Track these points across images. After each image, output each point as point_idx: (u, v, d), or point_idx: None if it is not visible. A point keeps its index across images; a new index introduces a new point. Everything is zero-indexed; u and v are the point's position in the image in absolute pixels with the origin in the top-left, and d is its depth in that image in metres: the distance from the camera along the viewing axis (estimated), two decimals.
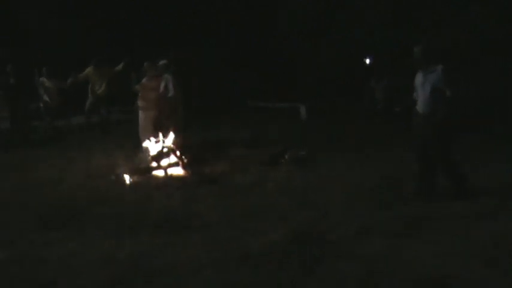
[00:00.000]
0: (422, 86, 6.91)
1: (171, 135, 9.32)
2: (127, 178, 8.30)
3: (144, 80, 10.87)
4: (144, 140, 9.83)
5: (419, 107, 7.01)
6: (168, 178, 8.62)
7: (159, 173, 8.78)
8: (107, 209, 6.82)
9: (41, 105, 14.02)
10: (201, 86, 15.68)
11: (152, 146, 9.10)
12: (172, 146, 9.21)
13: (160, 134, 9.28)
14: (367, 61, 19.06)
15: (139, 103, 10.92)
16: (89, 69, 13.64)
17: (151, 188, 7.99)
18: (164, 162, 8.96)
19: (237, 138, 11.70)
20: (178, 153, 9.12)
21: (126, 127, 13.05)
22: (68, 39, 16.75)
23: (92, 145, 10.54)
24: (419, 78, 7.01)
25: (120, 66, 13.30)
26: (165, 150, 9.10)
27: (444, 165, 6.98)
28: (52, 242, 5.60)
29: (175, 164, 8.97)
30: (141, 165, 8.98)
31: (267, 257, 5.13)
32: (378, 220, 6.12)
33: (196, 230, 6.00)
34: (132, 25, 17.56)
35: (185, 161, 9.03)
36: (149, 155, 9.03)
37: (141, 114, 10.85)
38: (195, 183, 8.18)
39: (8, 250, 5.41)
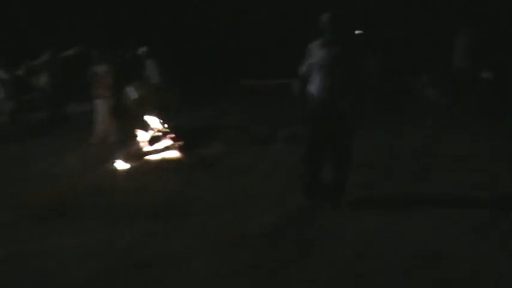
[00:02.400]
0: (329, 64, 5.62)
1: (163, 119, 9.31)
2: (123, 165, 8.31)
3: (96, 68, 10.30)
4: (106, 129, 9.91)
5: (322, 90, 5.67)
6: (164, 161, 8.64)
7: (155, 157, 8.80)
8: (103, 199, 6.81)
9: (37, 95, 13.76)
10: (191, 67, 15.56)
11: (145, 131, 9.11)
12: (166, 129, 9.22)
13: (154, 118, 9.26)
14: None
15: (96, 91, 10.27)
16: (45, 57, 12.60)
17: (146, 173, 7.99)
18: (159, 145, 8.98)
19: (230, 119, 11.68)
20: (173, 135, 9.13)
21: None
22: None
23: (84, 134, 10.46)
24: (321, 53, 5.67)
25: (71, 51, 12.30)
26: (159, 133, 9.13)
27: (348, 164, 5.87)
28: (47, 235, 5.61)
29: (171, 147, 8.98)
30: (137, 150, 8.97)
31: (262, 240, 5.20)
32: (370, 199, 6.15)
33: (192, 215, 6.03)
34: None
35: (180, 143, 9.04)
36: (142, 140, 9.04)
37: (100, 102, 10.27)
38: (190, 166, 8.19)
39: (4, 244, 5.43)
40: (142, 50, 10.61)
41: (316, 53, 5.71)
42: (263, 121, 10.90)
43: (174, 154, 8.84)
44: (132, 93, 10.23)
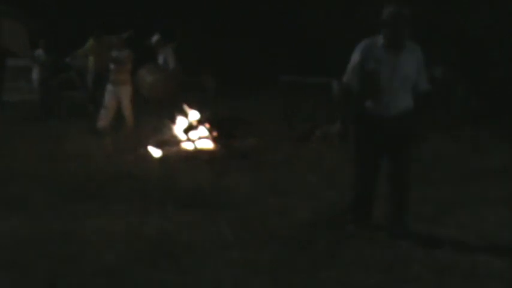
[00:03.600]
0: (392, 71, 4.72)
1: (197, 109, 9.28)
2: (156, 151, 8.31)
3: (115, 53, 10.23)
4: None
5: (385, 105, 4.80)
6: (197, 151, 8.62)
7: (188, 146, 8.78)
8: (134, 184, 6.80)
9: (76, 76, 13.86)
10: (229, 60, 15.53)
11: (181, 119, 9.09)
12: (201, 119, 9.19)
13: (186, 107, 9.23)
14: None
15: (118, 77, 10.14)
16: (89, 43, 12.67)
17: (179, 161, 8.00)
18: (194, 134, 8.96)
19: (267, 113, 11.60)
20: (208, 126, 9.10)
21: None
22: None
23: (119, 118, 10.48)
24: (383, 57, 4.74)
25: (125, 35, 11.26)
26: (195, 122, 9.11)
27: (408, 189, 5.07)
28: (77, 216, 5.60)
29: (205, 137, 8.96)
30: (170, 138, 8.96)
31: (293, 238, 5.10)
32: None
33: (223, 207, 5.96)
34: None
35: (215, 134, 9.01)
36: (175, 128, 9.03)
37: (118, 88, 10.13)
38: (224, 158, 8.16)
39: (32, 223, 5.42)
40: (155, 37, 10.52)
41: (375, 56, 4.77)
42: (300, 118, 10.82)
43: (209, 144, 8.81)
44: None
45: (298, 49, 17.26)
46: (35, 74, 12.89)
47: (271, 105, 12.76)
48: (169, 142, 8.82)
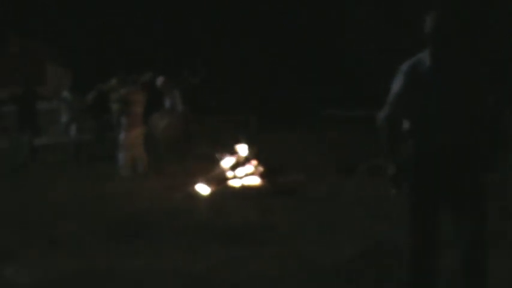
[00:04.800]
0: (445, 97, 3.58)
1: (245, 145, 9.40)
2: (203, 188, 8.44)
3: (124, 94, 10.21)
4: (128, 160, 9.86)
5: (433, 140, 3.66)
6: (244, 188, 8.72)
7: (235, 182, 8.89)
8: (181, 222, 6.89)
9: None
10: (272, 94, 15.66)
11: (227, 156, 9.22)
12: (248, 155, 9.30)
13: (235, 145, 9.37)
14: None
15: (124, 120, 10.05)
16: (114, 82, 11.99)
17: (226, 198, 8.09)
18: (240, 171, 9.07)
19: (311, 147, 11.65)
20: (254, 162, 9.21)
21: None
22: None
23: (165, 157, 10.67)
24: (429, 77, 3.59)
25: (147, 76, 11.02)
26: (241, 159, 9.23)
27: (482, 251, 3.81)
28: (123, 254, 5.70)
29: (252, 174, 9.06)
30: (217, 175, 9.08)
31: (341, 272, 5.09)
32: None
33: (269, 244, 6.00)
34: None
35: (261, 170, 9.10)
36: (224, 165, 9.15)
37: (126, 132, 10.01)
38: (269, 194, 8.23)
39: (79, 261, 5.53)
40: (159, 80, 10.49)
41: (422, 80, 3.62)
42: (344, 151, 10.82)
43: (255, 181, 8.90)
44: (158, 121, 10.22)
45: (339, 82, 17.25)
46: (64, 117, 12.90)
47: (314, 138, 12.80)
48: (216, 179, 8.94)
